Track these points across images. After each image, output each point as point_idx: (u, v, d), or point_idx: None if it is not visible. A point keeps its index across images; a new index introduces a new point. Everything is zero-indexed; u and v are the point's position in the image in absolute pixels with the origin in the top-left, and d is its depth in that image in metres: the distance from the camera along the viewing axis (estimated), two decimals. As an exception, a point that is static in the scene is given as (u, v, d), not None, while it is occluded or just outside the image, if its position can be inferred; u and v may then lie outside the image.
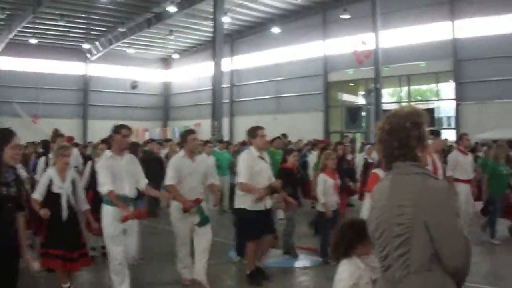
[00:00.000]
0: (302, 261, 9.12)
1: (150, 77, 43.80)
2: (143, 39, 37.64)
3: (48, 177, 6.81)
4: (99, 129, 29.36)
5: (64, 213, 6.69)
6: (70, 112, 39.14)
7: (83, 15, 32.23)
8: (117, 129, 6.80)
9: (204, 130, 33.98)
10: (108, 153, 6.80)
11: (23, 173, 9.38)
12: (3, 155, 4.39)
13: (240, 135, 11.98)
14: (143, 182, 6.90)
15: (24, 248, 4.65)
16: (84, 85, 40.68)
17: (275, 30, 33.61)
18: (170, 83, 45.91)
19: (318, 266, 8.70)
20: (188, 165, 7.39)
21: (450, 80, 28.08)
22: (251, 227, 7.69)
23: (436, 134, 8.85)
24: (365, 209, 6.99)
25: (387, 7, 28.13)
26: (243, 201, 7.66)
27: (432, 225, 2.53)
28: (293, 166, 9.68)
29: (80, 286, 7.49)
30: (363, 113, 34.07)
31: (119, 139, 6.69)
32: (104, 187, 6.44)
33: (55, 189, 6.73)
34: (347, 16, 29.58)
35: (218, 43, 24.63)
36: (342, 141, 16.13)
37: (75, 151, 11.98)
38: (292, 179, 9.43)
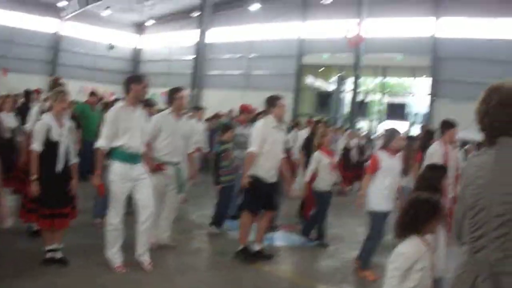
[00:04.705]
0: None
1: (122, 41, 42.73)
2: (121, 1, 36.60)
3: (45, 124, 6.01)
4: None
5: (60, 165, 6.01)
6: (39, 68, 37.46)
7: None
8: (139, 78, 6.41)
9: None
10: (120, 103, 6.38)
11: (12, 121, 8.79)
12: None
13: (208, 108, 12.11)
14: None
15: None
16: (55, 43, 39.40)
17: (255, 6, 33.02)
18: (141, 50, 45.01)
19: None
20: (173, 124, 7.17)
21: (425, 76, 28.34)
22: (256, 198, 7.25)
23: (451, 125, 8.18)
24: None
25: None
26: (256, 169, 7.22)
27: None
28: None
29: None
30: (333, 99, 33.41)
31: (139, 89, 6.26)
32: (99, 141, 6.14)
33: (54, 137, 6.01)
34: (329, 1, 29.58)
35: (206, 12, 24.25)
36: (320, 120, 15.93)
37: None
38: None
